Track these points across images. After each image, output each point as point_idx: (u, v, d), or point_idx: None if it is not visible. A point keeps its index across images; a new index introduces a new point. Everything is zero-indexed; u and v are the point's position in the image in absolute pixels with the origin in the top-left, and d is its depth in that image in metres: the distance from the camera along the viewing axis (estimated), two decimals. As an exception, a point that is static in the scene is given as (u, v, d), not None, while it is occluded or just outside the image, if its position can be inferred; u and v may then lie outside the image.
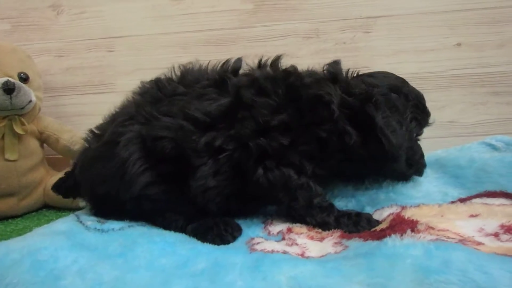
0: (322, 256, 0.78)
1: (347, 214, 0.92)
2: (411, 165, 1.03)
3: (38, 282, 0.66)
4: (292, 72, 1.01)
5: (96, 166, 0.97)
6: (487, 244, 0.71)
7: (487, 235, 0.75)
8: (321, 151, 0.95)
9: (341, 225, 0.90)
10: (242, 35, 1.56)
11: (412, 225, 0.77)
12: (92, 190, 0.99)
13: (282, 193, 0.94)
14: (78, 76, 1.65)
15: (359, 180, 1.11)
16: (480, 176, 1.06)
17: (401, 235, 0.72)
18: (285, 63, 1.03)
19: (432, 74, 1.51)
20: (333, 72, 1.02)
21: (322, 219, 0.92)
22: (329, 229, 0.90)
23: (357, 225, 0.89)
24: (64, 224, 0.92)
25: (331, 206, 0.93)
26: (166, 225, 0.95)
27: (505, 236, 0.74)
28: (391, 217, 0.87)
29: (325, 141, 0.94)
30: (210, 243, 0.87)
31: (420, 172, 1.07)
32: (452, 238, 0.71)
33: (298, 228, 0.92)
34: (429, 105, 1.03)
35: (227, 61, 1.04)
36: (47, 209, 1.48)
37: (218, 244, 0.87)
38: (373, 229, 0.86)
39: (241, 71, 1.03)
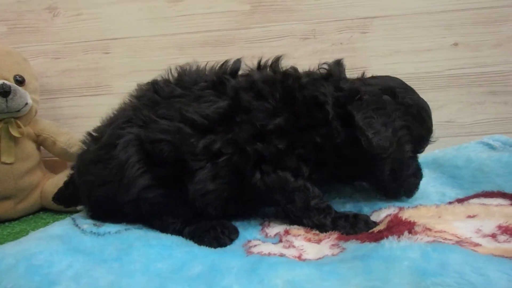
0: (319, 258, 0.78)
1: (345, 216, 0.91)
2: (396, 179, 0.98)
3: (33, 287, 0.66)
4: (290, 74, 1.00)
5: (94, 169, 0.97)
6: (485, 245, 0.71)
7: (485, 236, 0.75)
8: (317, 155, 0.94)
9: (338, 227, 0.90)
10: (239, 36, 1.56)
11: (409, 227, 0.77)
12: (90, 193, 0.99)
13: (279, 196, 0.93)
14: (74, 78, 1.64)
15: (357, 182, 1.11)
16: (478, 176, 1.06)
17: (398, 236, 0.72)
18: (284, 64, 1.02)
19: (429, 74, 1.51)
20: (327, 70, 1.02)
21: (319, 220, 0.91)
22: (326, 231, 0.89)
23: (355, 226, 0.89)
24: (60, 227, 0.92)
25: (329, 207, 0.93)
26: (163, 228, 0.94)
27: (502, 237, 0.74)
28: (389, 218, 0.87)
29: (320, 145, 0.93)
30: (207, 246, 0.87)
31: (407, 192, 1.02)
32: (450, 240, 0.71)
33: (295, 230, 0.92)
34: None
35: (226, 62, 1.04)
36: (44, 212, 1.47)
37: (215, 247, 0.87)
38: (371, 230, 0.86)
39: (240, 72, 1.03)
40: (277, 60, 1.04)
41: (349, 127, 0.91)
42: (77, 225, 0.94)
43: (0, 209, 1.37)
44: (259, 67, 1.04)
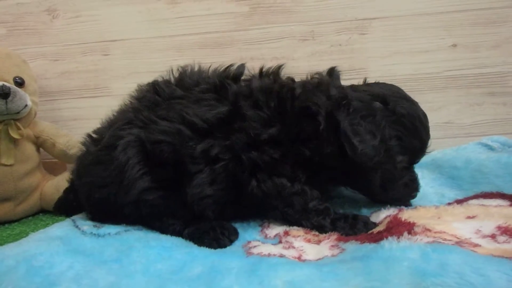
0: (319, 259, 0.78)
1: (344, 217, 0.92)
2: (385, 189, 0.95)
3: (33, 289, 0.66)
4: (286, 84, 0.99)
5: (94, 170, 0.97)
6: (484, 245, 0.71)
7: (484, 236, 0.75)
8: (309, 166, 0.94)
9: (337, 228, 0.90)
10: (238, 37, 1.56)
11: (409, 227, 0.77)
12: (89, 195, 0.99)
13: (277, 201, 0.94)
14: (73, 80, 1.64)
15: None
16: (477, 177, 1.06)
17: (398, 237, 0.72)
18: (285, 66, 1.02)
19: (428, 75, 1.51)
20: (318, 78, 1.00)
21: (318, 222, 0.91)
22: (325, 232, 0.89)
23: (354, 227, 0.89)
24: (60, 229, 0.92)
25: (327, 209, 0.93)
26: (163, 229, 0.95)
27: (502, 238, 0.74)
28: (388, 219, 0.87)
29: (310, 158, 0.92)
30: (206, 247, 0.87)
31: (397, 203, 0.97)
32: (449, 240, 0.71)
33: (295, 231, 0.92)
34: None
35: (230, 66, 1.03)
36: (44, 214, 1.47)
37: (215, 248, 0.87)
38: (370, 231, 0.86)
39: (243, 77, 1.03)
40: (278, 68, 1.03)
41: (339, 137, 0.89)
42: (77, 227, 0.94)
43: (0, 211, 1.37)
44: (261, 74, 1.03)
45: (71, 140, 1.47)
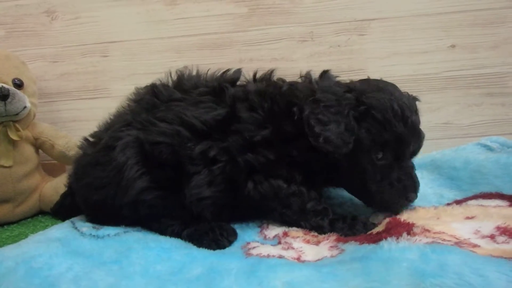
0: (318, 260, 0.78)
1: (343, 218, 0.92)
2: (369, 190, 0.91)
3: (32, 290, 0.66)
4: (276, 84, 1.00)
5: (92, 172, 0.97)
6: (483, 246, 0.71)
7: (483, 237, 0.75)
8: (303, 168, 0.94)
9: (336, 228, 0.90)
10: (237, 39, 1.56)
11: (408, 228, 0.77)
12: (88, 196, 0.99)
13: (274, 203, 0.94)
14: (72, 82, 1.64)
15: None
16: (476, 177, 1.06)
17: (397, 238, 0.72)
18: (280, 67, 1.03)
19: (427, 76, 1.51)
20: (305, 76, 1.02)
21: (316, 222, 0.92)
22: (324, 233, 0.90)
23: (353, 228, 0.89)
24: (59, 230, 0.92)
25: (326, 209, 0.93)
26: (162, 230, 0.95)
27: (501, 238, 0.74)
28: (387, 220, 0.87)
29: (299, 159, 0.92)
30: (206, 248, 0.87)
31: (387, 203, 0.91)
32: (448, 241, 0.71)
33: (294, 232, 0.92)
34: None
35: (227, 70, 1.04)
36: (43, 215, 1.46)
37: (214, 249, 0.87)
38: (369, 232, 0.86)
39: (239, 83, 1.03)
40: (270, 73, 1.04)
41: None
42: (76, 228, 0.94)
43: (-1, 212, 1.37)
44: (255, 79, 1.04)
45: (70, 141, 1.47)
